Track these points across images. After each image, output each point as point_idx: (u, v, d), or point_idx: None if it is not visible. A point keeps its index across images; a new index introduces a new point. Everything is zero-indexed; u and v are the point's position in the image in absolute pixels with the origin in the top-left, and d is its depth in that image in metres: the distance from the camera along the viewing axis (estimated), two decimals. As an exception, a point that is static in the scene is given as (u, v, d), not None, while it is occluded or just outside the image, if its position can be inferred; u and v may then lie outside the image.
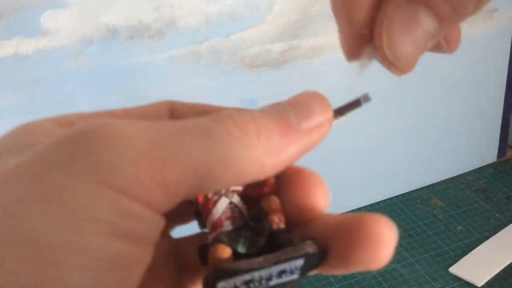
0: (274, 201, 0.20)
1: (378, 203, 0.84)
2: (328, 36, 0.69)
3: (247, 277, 0.19)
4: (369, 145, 0.80)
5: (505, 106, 0.88)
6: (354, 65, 0.22)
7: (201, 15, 0.61)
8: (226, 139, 0.18)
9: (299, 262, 0.19)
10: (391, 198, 0.84)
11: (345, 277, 0.70)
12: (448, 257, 0.72)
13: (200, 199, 0.21)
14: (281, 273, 0.19)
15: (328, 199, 0.21)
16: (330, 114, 0.20)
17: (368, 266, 0.19)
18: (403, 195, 0.85)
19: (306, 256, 0.19)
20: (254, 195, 0.21)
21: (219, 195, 0.21)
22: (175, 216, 0.22)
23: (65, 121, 0.20)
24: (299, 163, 0.21)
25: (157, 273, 0.20)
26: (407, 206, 0.83)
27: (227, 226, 0.20)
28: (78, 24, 0.57)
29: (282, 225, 0.20)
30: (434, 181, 0.87)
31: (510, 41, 0.83)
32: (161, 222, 0.17)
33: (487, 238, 0.75)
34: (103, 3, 0.57)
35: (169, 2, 0.60)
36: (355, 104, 0.22)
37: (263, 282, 0.19)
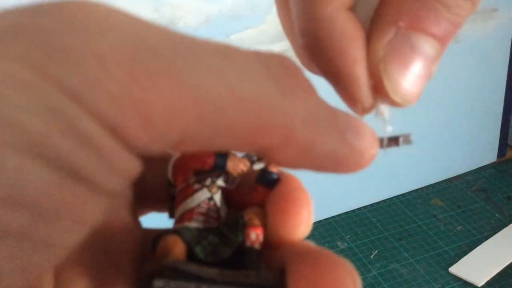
0: (258, 214, 0.18)
1: (378, 203, 0.84)
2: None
3: (191, 286, 0.15)
4: (369, 145, 0.80)
5: (505, 106, 0.88)
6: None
7: (201, 15, 0.61)
8: (259, 76, 0.14)
9: None
10: (391, 198, 0.84)
11: (345, 277, 0.70)
12: (448, 257, 0.72)
13: (179, 182, 0.18)
14: None
15: (309, 227, 0.17)
16: (375, 151, 0.17)
17: None
18: (403, 195, 0.85)
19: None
20: (239, 200, 0.18)
21: (202, 184, 0.18)
22: (148, 198, 0.19)
23: None
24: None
25: (119, 261, 0.17)
26: (407, 206, 0.83)
27: (197, 222, 0.17)
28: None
29: (257, 245, 0.17)
30: (434, 181, 0.87)
31: (510, 41, 0.83)
32: (131, 165, 0.12)
33: (487, 238, 0.75)
34: (103, 3, 0.57)
35: (169, 2, 0.60)
36: (391, 141, 0.19)
37: None
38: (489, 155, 0.91)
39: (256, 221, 0.17)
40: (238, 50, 0.14)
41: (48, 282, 0.15)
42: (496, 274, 0.68)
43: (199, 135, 0.13)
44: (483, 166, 0.90)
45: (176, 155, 0.18)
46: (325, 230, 0.79)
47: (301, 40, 0.18)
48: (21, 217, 0.10)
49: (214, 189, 0.18)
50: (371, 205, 0.83)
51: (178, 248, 0.16)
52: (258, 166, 0.19)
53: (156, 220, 0.19)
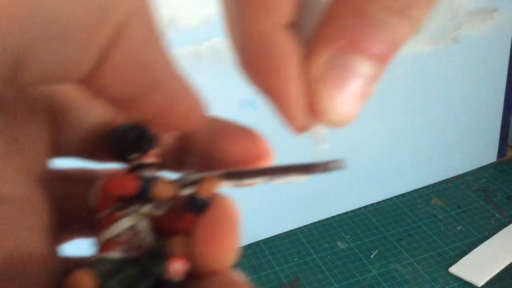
0: (182, 243, 0.17)
1: (378, 203, 0.84)
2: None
3: None
4: (369, 145, 0.80)
5: (505, 106, 0.88)
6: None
7: (201, 15, 0.61)
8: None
9: None
10: (391, 198, 0.84)
11: (345, 277, 0.70)
12: (448, 257, 0.72)
13: (101, 209, 0.17)
14: None
15: (234, 255, 0.17)
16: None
17: None
18: (403, 195, 0.85)
19: None
20: (168, 227, 0.18)
21: (125, 212, 0.17)
22: (74, 223, 0.19)
23: None
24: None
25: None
26: (407, 206, 0.83)
27: (117, 252, 0.16)
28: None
29: (178, 276, 0.16)
30: (434, 181, 0.87)
31: (510, 41, 0.83)
32: None
33: (487, 238, 0.75)
34: (103, 3, 0.57)
35: (169, 2, 0.60)
36: (319, 167, 0.19)
37: None
38: (489, 155, 0.91)
39: (179, 251, 0.16)
40: None
41: None
42: (496, 274, 0.68)
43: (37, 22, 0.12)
44: (483, 166, 0.90)
45: (100, 180, 0.17)
46: (325, 230, 0.79)
47: (237, 57, 0.18)
48: None
49: (138, 217, 0.17)
50: (371, 205, 0.83)
51: (89, 282, 0.15)
52: (187, 191, 0.18)
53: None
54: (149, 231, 0.17)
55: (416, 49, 0.76)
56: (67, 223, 0.18)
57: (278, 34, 0.17)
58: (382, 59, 0.17)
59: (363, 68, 0.17)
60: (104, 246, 0.17)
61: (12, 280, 0.15)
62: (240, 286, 0.16)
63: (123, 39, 0.14)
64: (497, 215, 0.80)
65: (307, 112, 0.18)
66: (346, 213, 0.82)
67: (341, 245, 0.76)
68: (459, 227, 0.78)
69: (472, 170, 0.89)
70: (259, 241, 0.77)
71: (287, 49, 0.17)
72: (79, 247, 0.18)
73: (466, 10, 0.77)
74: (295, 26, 0.17)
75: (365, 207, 0.83)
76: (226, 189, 0.18)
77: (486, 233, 0.76)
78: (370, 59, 0.17)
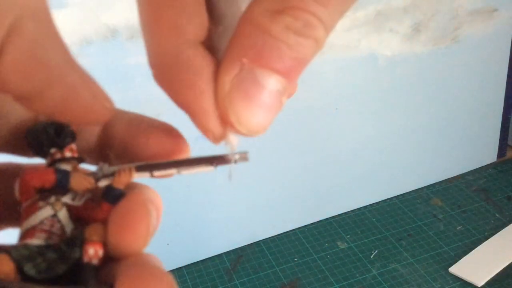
0: (98, 230, 0.18)
1: (378, 203, 0.84)
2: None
3: None
4: (369, 145, 0.80)
5: (505, 106, 0.88)
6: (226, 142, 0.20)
7: (201, 15, 0.61)
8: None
9: None
10: (391, 198, 0.84)
11: (345, 277, 0.70)
12: (448, 257, 0.72)
13: (23, 200, 0.19)
14: None
15: (146, 242, 0.18)
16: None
17: None
18: (403, 195, 0.85)
19: None
20: (87, 217, 0.19)
21: (46, 202, 0.18)
22: (3, 214, 0.20)
23: None
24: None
25: None
26: (407, 206, 0.83)
27: (38, 240, 0.18)
28: (78, 24, 0.57)
29: (95, 260, 0.18)
30: (434, 181, 0.87)
31: (510, 41, 0.83)
32: None
33: (487, 238, 0.75)
34: (103, 3, 0.57)
35: (169, 2, 0.60)
36: (224, 159, 0.20)
37: None
38: (489, 155, 0.91)
39: (95, 237, 0.18)
40: None
41: None
42: (496, 274, 0.68)
43: None
44: (483, 166, 0.90)
45: (21, 172, 0.19)
46: (325, 230, 0.79)
47: (152, 71, 0.19)
48: None
49: (58, 207, 0.18)
50: (371, 205, 0.83)
51: (5, 266, 0.17)
52: (104, 182, 0.19)
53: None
54: (69, 220, 0.19)
55: (416, 49, 0.76)
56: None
57: (190, 50, 0.18)
58: (287, 75, 0.18)
59: (269, 82, 0.18)
60: (26, 234, 0.18)
61: None
62: (140, 264, 0.17)
63: (16, 38, 0.15)
64: (497, 215, 0.80)
65: (220, 124, 0.19)
66: (346, 213, 0.82)
67: (341, 245, 0.76)
68: (459, 227, 0.78)
69: (472, 170, 0.89)
70: (259, 241, 0.77)
71: (199, 64, 0.18)
72: (6, 236, 0.20)
73: (466, 10, 0.77)
74: (211, 46, 0.18)
75: (365, 207, 0.83)
76: (142, 180, 0.20)
77: (486, 233, 0.76)
78: (276, 73, 0.17)
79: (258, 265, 0.73)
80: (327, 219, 0.81)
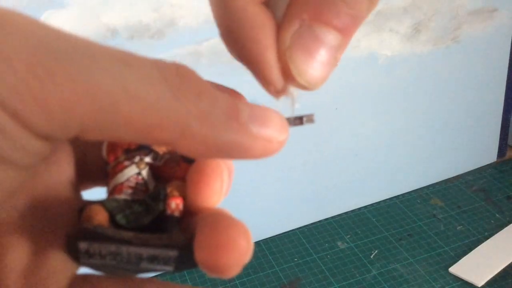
0: (179, 186, 0.20)
1: (378, 203, 0.84)
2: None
3: (112, 248, 0.18)
4: (369, 145, 0.80)
5: (505, 106, 0.89)
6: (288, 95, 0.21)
7: (201, 15, 0.61)
8: (154, 79, 0.15)
9: (173, 254, 0.18)
10: (391, 198, 0.84)
11: (345, 277, 0.70)
12: (448, 257, 0.72)
13: (111, 160, 0.20)
14: (152, 258, 0.18)
15: (220, 196, 0.20)
16: (283, 137, 0.19)
17: (218, 272, 0.17)
18: (403, 195, 0.85)
19: (178, 249, 0.18)
20: (166, 175, 0.21)
21: (131, 162, 0.20)
22: (90, 174, 0.22)
23: None
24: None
25: (56, 228, 0.19)
26: (407, 206, 0.83)
27: (126, 194, 0.20)
28: (78, 24, 0.57)
29: (176, 213, 0.19)
30: (434, 181, 0.87)
31: (510, 41, 0.83)
32: (38, 147, 0.15)
33: (487, 238, 0.75)
34: (103, 3, 0.57)
35: (169, 2, 0.60)
36: (295, 121, 0.21)
37: (133, 260, 0.18)
38: (489, 155, 0.91)
39: (176, 192, 0.20)
40: (137, 57, 0.16)
41: None
42: (496, 274, 0.68)
43: (98, 126, 0.15)
44: (483, 166, 0.90)
45: None
46: (325, 230, 0.79)
47: (218, 30, 0.20)
48: None
49: (142, 166, 0.20)
50: (371, 205, 0.83)
51: (100, 215, 0.18)
52: None
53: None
54: (151, 178, 0.21)
55: (416, 49, 0.76)
56: (86, 174, 0.21)
57: (255, 8, 0.19)
58: (343, 31, 0.19)
59: (327, 37, 0.19)
60: (114, 190, 0.20)
61: (40, 218, 0.18)
62: (216, 215, 0.18)
63: None
64: (497, 215, 0.80)
65: (282, 77, 0.20)
66: (346, 213, 0.82)
67: (341, 245, 0.76)
68: (459, 227, 0.78)
69: (472, 170, 0.89)
70: (259, 241, 0.77)
71: (262, 21, 0.19)
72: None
73: (466, 10, 0.77)
74: (268, 5, 0.20)
75: (365, 207, 0.83)
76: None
77: (486, 233, 0.76)
78: (333, 29, 0.19)
79: (258, 265, 0.73)
80: (327, 219, 0.81)
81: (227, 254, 0.17)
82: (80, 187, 0.21)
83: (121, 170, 0.20)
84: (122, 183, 0.20)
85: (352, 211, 0.82)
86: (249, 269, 0.72)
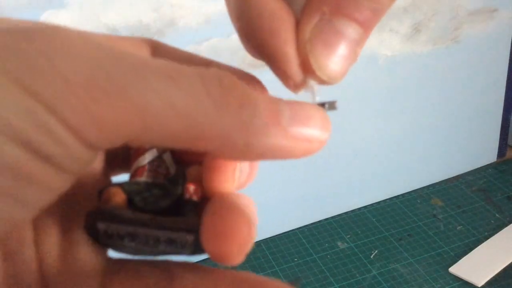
0: (198, 171, 0.20)
1: (378, 203, 0.84)
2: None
3: (130, 229, 0.18)
4: (369, 145, 0.80)
5: (505, 106, 0.88)
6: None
7: (201, 15, 0.61)
8: (198, 94, 0.16)
9: (190, 238, 0.18)
10: (391, 198, 0.84)
11: (345, 277, 0.70)
12: (448, 257, 0.72)
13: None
14: (170, 241, 0.18)
15: (233, 182, 0.20)
16: (325, 136, 0.19)
17: (221, 259, 0.18)
18: (403, 195, 0.85)
19: (194, 233, 0.18)
20: (186, 159, 0.21)
21: (152, 146, 0.20)
22: (118, 162, 0.22)
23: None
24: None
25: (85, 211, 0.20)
26: (407, 206, 0.83)
27: (146, 177, 0.20)
28: (78, 24, 0.57)
29: (194, 197, 0.20)
30: (434, 181, 0.87)
31: (510, 41, 0.83)
32: (89, 157, 0.16)
33: (487, 238, 0.75)
34: (103, 3, 0.57)
35: (169, 2, 0.60)
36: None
37: (150, 243, 0.18)
38: (489, 155, 0.91)
39: (195, 177, 0.20)
40: (182, 70, 0.16)
41: (28, 230, 0.19)
42: (496, 274, 0.68)
43: (145, 139, 0.16)
44: (483, 166, 0.90)
45: None
46: (325, 230, 0.79)
47: (236, 25, 0.20)
48: (3, 180, 0.14)
49: (162, 149, 0.21)
50: (371, 205, 0.83)
51: (118, 197, 0.19)
52: None
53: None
54: (172, 162, 0.21)
55: (416, 49, 0.76)
56: (114, 162, 0.22)
57: (273, 3, 0.19)
58: (365, 24, 0.19)
59: (348, 31, 0.19)
60: (135, 173, 0.20)
61: (70, 203, 0.19)
62: (222, 200, 0.19)
63: None
64: (497, 215, 0.79)
65: (301, 71, 0.20)
66: (346, 213, 0.82)
67: (341, 245, 0.76)
68: (459, 227, 0.78)
69: (472, 170, 0.89)
70: (259, 241, 0.77)
71: (281, 15, 0.19)
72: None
73: (466, 10, 0.77)
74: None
75: (365, 207, 0.83)
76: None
77: (486, 233, 0.76)
78: (354, 23, 0.19)
79: (258, 265, 0.73)
80: (327, 219, 0.81)
81: (228, 241, 0.17)
82: (110, 174, 0.22)
83: (143, 153, 0.21)
84: (143, 166, 0.20)
85: (352, 211, 0.82)
86: (249, 269, 0.72)
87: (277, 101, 0.18)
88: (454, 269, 0.70)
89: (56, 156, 0.15)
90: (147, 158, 0.20)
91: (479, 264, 0.70)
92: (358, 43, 0.19)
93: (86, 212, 0.19)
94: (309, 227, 0.79)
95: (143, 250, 0.19)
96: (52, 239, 0.19)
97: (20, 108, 0.14)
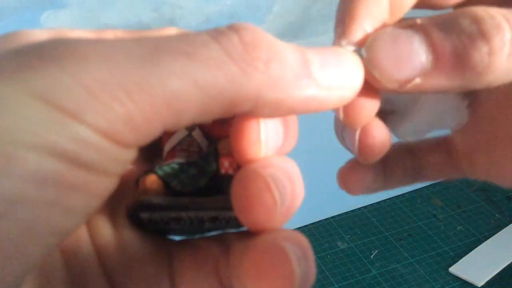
0: (228, 144, 0.19)
1: (378, 203, 0.84)
2: (328, 36, 0.69)
3: (172, 214, 0.18)
4: (369, 145, 0.80)
5: (505, 106, 0.88)
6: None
7: (201, 15, 0.61)
8: (219, 61, 0.15)
9: (232, 214, 0.18)
10: (391, 198, 0.84)
11: (345, 277, 0.70)
12: (448, 257, 0.72)
13: None
14: (214, 219, 0.18)
15: (259, 147, 0.19)
16: (358, 80, 0.18)
17: (254, 229, 0.18)
18: (403, 195, 0.85)
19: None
20: (216, 133, 0.20)
21: None
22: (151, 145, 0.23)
23: (55, 32, 0.20)
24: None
25: (124, 199, 0.20)
26: (407, 206, 0.83)
27: (180, 158, 0.20)
28: (78, 24, 0.57)
29: (230, 171, 0.19)
30: (434, 181, 0.87)
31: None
32: (127, 155, 0.16)
33: (487, 238, 0.75)
34: (103, 3, 0.57)
35: (169, 2, 0.60)
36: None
37: (195, 224, 0.18)
38: (489, 155, 0.91)
39: (227, 150, 0.19)
40: (197, 41, 0.16)
41: (82, 228, 0.19)
42: (496, 274, 0.68)
43: (178, 123, 0.16)
44: (483, 166, 0.90)
45: None
46: (325, 230, 0.79)
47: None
48: (49, 192, 0.14)
49: (191, 127, 0.20)
50: (371, 205, 0.83)
51: (155, 185, 0.19)
52: None
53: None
54: (203, 137, 0.20)
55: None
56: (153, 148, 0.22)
57: None
58: (438, 58, 0.19)
59: (419, 49, 0.19)
60: (168, 155, 0.20)
61: (113, 194, 0.19)
62: (250, 173, 0.18)
63: None
64: (497, 215, 0.80)
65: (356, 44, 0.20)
66: (346, 213, 0.82)
67: (341, 245, 0.76)
68: (459, 227, 0.78)
69: (472, 170, 0.89)
70: (259, 241, 0.77)
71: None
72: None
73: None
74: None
75: (365, 207, 0.83)
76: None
77: (486, 233, 0.76)
78: (429, 47, 0.19)
79: (258, 265, 0.73)
80: (327, 219, 0.81)
81: (251, 209, 0.17)
82: (144, 159, 0.22)
83: (173, 133, 0.20)
84: (174, 147, 0.20)
85: (352, 211, 0.82)
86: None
87: (304, 50, 0.17)
88: (454, 269, 0.70)
89: (96, 162, 0.15)
90: (177, 138, 0.20)
91: (479, 264, 0.70)
92: (422, 71, 0.19)
93: (127, 202, 0.19)
94: (309, 227, 0.79)
95: (189, 230, 0.19)
96: (104, 231, 0.19)
97: (49, 122, 0.14)
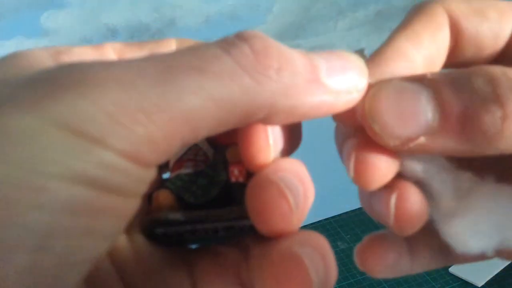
0: (238, 151, 0.19)
1: (378, 203, 0.84)
2: (328, 36, 0.69)
3: (187, 227, 0.18)
4: (369, 145, 0.80)
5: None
6: None
7: (201, 15, 0.61)
8: (232, 73, 0.15)
9: (247, 223, 0.18)
10: (391, 198, 0.84)
11: (345, 277, 0.70)
12: (448, 257, 0.72)
13: None
14: (228, 228, 0.18)
15: (268, 153, 0.18)
16: (363, 82, 0.18)
17: (272, 235, 0.18)
18: (403, 195, 0.85)
19: (249, 218, 0.18)
20: (221, 141, 0.20)
21: None
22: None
23: (54, 51, 0.20)
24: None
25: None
26: (407, 206, 0.83)
27: (187, 168, 0.20)
28: (78, 24, 0.57)
29: (241, 179, 0.19)
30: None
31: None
32: (149, 175, 0.16)
33: (487, 238, 0.75)
34: (103, 3, 0.57)
35: (169, 2, 0.60)
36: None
37: (210, 233, 0.18)
38: (489, 155, 0.91)
39: (238, 157, 0.19)
40: (208, 55, 0.16)
41: None
42: (496, 274, 0.68)
43: (195, 138, 0.16)
44: (483, 166, 0.90)
45: None
46: (325, 230, 0.79)
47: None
48: (81, 220, 0.14)
49: None
50: (371, 205, 0.83)
51: (168, 200, 0.19)
52: None
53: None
54: (208, 146, 0.20)
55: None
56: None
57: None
58: (445, 117, 0.18)
59: (426, 106, 0.18)
60: (175, 166, 0.20)
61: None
62: (262, 179, 0.18)
63: None
64: (497, 215, 0.79)
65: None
66: (346, 213, 0.82)
67: (341, 245, 0.76)
68: (459, 227, 0.78)
69: (472, 170, 0.89)
70: (259, 241, 0.77)
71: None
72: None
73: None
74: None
75: (365, 207, 0.83)
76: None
77: (486, 233, 0.76)
78: (437, 105, 0.18)
79: (258, 265, 0.73)
80: (327, 219, 0.81)
81: (266, 215, 0.17)
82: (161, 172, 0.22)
83: None
84: (181, 157, 0.20)
85: (352, 211, 0.82)
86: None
87: (310, 55, 0.17)
88: (454, 269, 0.70)
89: (122, 185, 0.15)
90: (183, 148, 0.20)
91: (479, 264, 0.70)
92: (427, 130, 0.18)
93: (141, 219, 0.19)
94: (309, 227, 0.79)
95: (203, 240, 0.19)
96: (121, 245, 0.19)
97: (75, 151, 0.14)
